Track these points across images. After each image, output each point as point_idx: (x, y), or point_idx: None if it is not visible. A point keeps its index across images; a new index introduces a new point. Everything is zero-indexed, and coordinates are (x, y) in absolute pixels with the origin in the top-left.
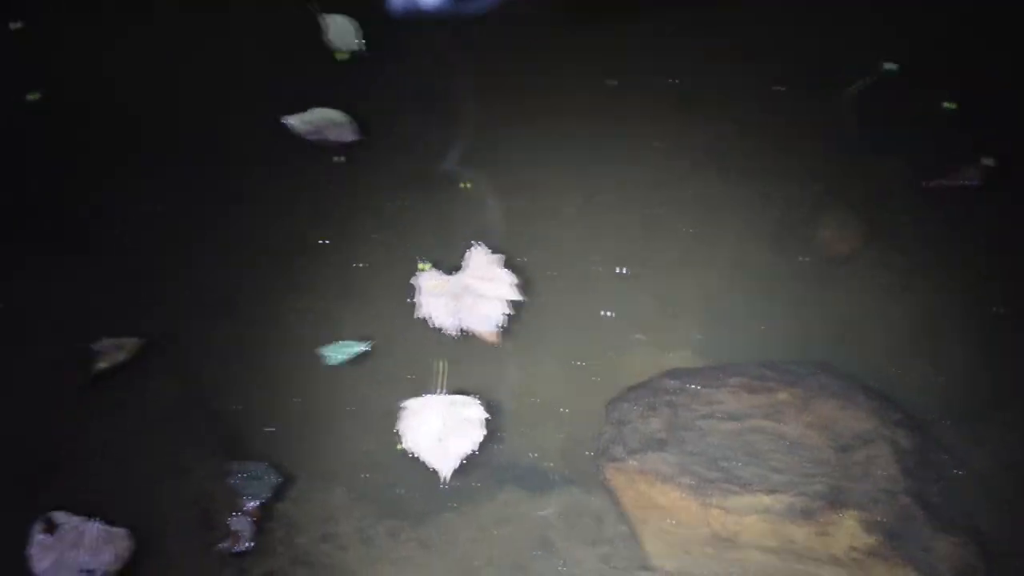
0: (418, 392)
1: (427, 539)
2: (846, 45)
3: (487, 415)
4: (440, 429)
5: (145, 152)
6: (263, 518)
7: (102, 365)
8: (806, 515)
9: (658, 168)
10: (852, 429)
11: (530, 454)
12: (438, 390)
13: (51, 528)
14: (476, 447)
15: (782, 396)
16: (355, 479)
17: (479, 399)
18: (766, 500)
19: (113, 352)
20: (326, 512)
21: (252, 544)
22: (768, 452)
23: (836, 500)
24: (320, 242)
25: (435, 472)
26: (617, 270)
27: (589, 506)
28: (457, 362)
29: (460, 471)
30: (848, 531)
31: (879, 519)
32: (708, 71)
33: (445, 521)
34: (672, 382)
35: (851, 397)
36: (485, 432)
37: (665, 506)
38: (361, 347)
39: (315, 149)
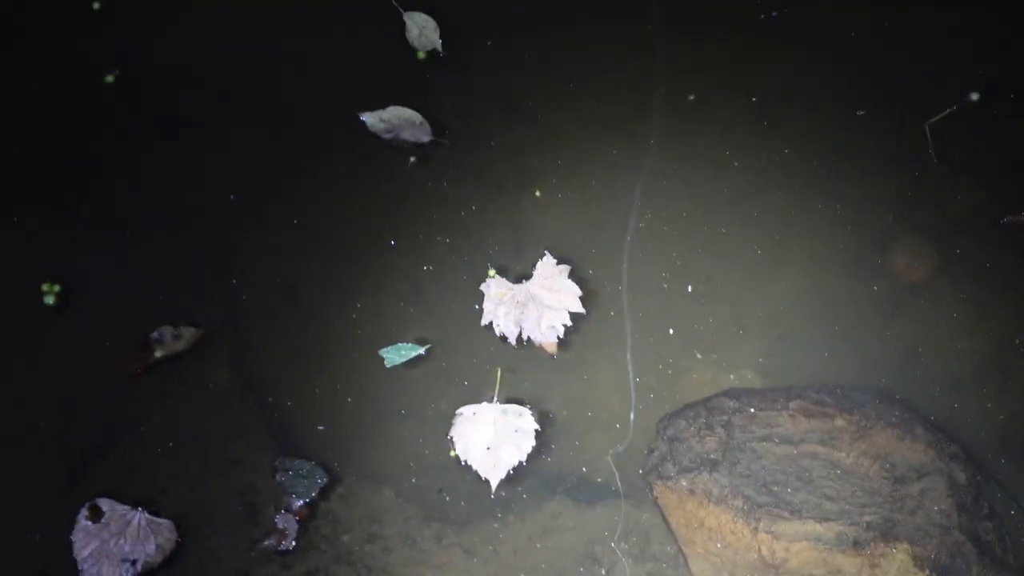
0: (473, 399)
1: (471, 546)
2: (934, 70)
3: (539, 426)
4: (492, 437)
5: (220, 140)
6: (308, 517)
7: (160, 353)
8: (857, 546)
9: (733, 185)
10: (908, 460)
11: (581, 467)
12: (493, 398)
13: (96, 515)
14: (526, 458)
15: (839, 423)
16: (404, 482)
17: (533, 409)
18: (817, 528)
19: (172, 341)
20: (372, 513)
21: (296, 543)
22: (821, 479)
23: (888, 532)
24: (390, 242)
25: (484, 480)
26: (685, 287)
27: (637, 523)
28: (515, 371)
29: (509, 481)
30: (898, 564)
31: (930, 554)
32: (791, 88)
33: (491, 529)
34: (730, 402)
35: (909, 428)
36: (536, 443)
37: (713, 528)
38: (419, 350)
39: (390, 148)
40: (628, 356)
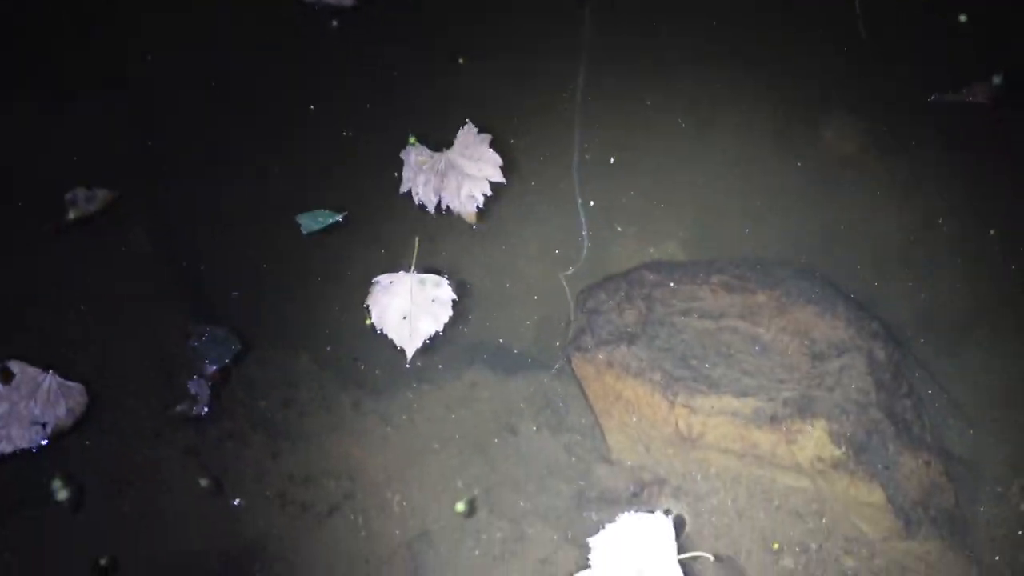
0: (390, 268)
1: (389, 414)
2: None
3: (457, 296)
4: (408, 307)
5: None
6: (221, 383)
7: (73, 215)
8: (773, 421)
9: (658, 57)
10: (828, 338)
11: (498, 339)
12: (410, 267)
13: (7, 377)
14: (443, 328)
15: (760, 298)
16: (319, 350)
17: (451, 279)
18: (734, 403)
19: (85, 203)
20: (288, 378)
21: (208, 409)
22: (740, 354)
23: (805, 408)
24: (310, 107)
25: (400, 350)
26: (608, 159)
27: (555, 394)
28: (433, 240)
29: (425, 350)
30: (815, 441)
31: (847, 431)
32: None
33: (408, 398)
34: (650, 275)
35: (830, 305)
36: (453, 313)
37: (631, 400)
38: (337, 217)
39: (313, 11)
40: (549, 228)
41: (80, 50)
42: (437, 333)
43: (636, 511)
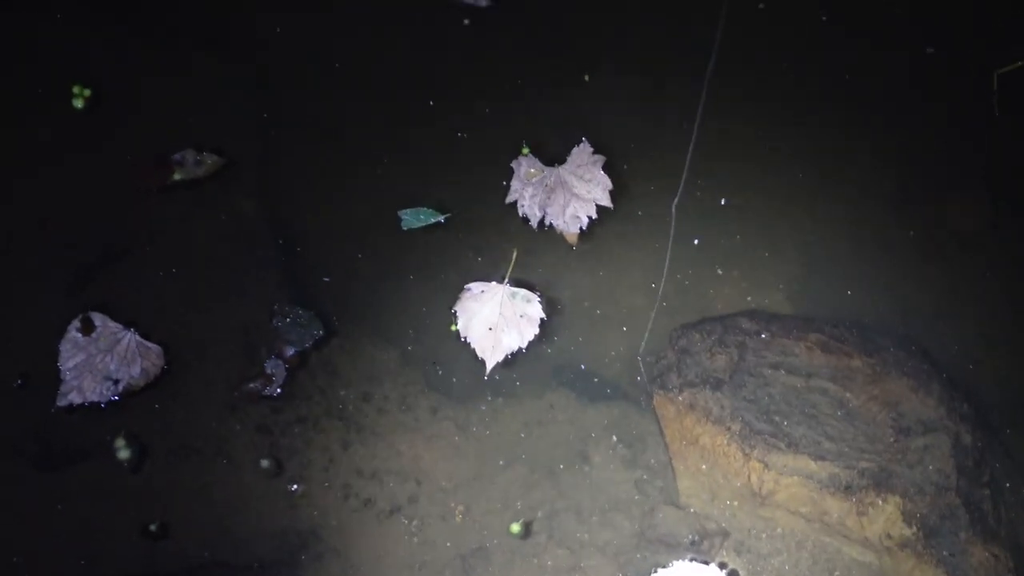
0: (484, 276)
1: (466, 423)
2: (1012, 17)
3: (545, 315)
4: (496, 318)
5: None
6: (298, 366)
7: (178, 176)
8: (848, 490)
9: (790, 102)
10: (917, 413)
11: (580, 364)
12: (504, 278)
13: (88, 328)
14: (527, 344)
15: (856, 363)
16: (404, 348)
17: (542, 297)
18: (811, 465)
19: (193, 165)
20: (373, 372)
21: (281, 390)
22: (825, 417)
23: (882, 482)
24: (429, 102)
25: (480, 360)
26: (719, 200)
27: (633, 429)
28: (530, 254)
29: (505, 364)
30: (886, 516)
31: (921, 511)
32: (860, 12)
33: (487, 410)
34: (748, 323)
35: (925, 380)
36: (539, 331)
37: (707, 447)
38: (439, 217)
39: (446, 6)
40: (649, 259)
41: (214, 13)
42: (520, 349)
43: (693, 560)
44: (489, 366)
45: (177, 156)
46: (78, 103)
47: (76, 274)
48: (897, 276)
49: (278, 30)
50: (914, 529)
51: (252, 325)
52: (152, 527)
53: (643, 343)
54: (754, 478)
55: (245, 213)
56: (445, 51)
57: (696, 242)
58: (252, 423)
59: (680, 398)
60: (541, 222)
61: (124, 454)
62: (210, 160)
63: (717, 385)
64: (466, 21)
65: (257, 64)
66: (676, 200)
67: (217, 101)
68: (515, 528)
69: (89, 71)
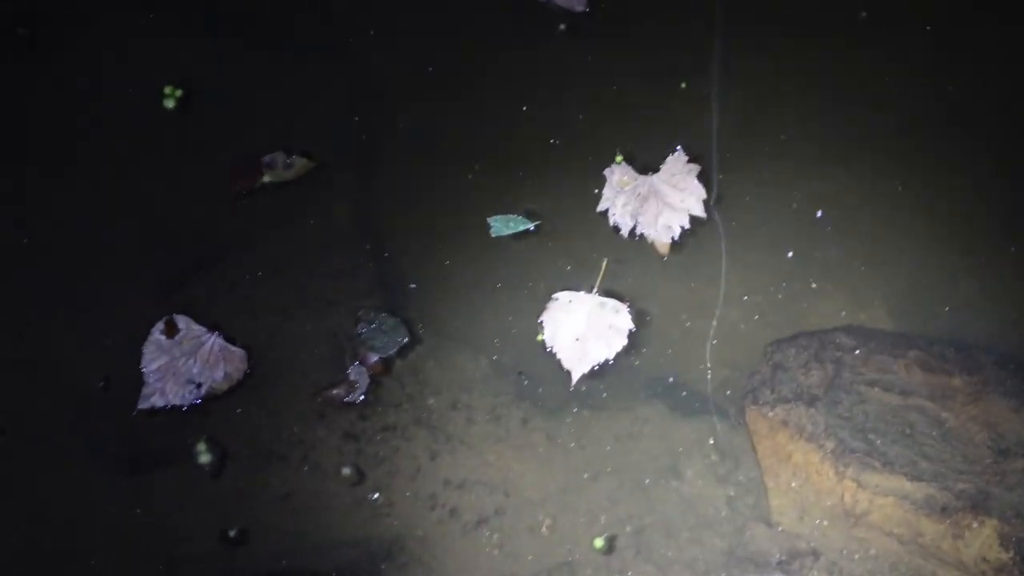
0: (572, 286)
1: (556, 435)
2: None
3: (634, 326)
4: (583, 329)
5: None
6: (383, 373)
7: (268, 179)
8: (944, 512)
9: (895, 114)
10: (1018, 434)
11: (670, 377)
12: (593, 288)
13: (172, 331)
14: (614, 356)
15: (956, 382)
16: (490, 357)
17: (631, 307)
18: (907, 485)
19: (282, 168)
20: (463, 381)
21: (364, 397)
22: (922, 436)
23: (979, 504)
24: (523, 107)
25: (566, 371)
26: (815, 211)
27: (725, 444)
28: (620, 264)
29: (591, 375)
30: (983, 539)
31: (1019, 536)
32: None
33: (577, 422)
34: (846, 339)
35: None
36: (627, 343)
37: (799, 464)
38: (529, 224)
39: (543, 10)
40: (744, 272)
41: (305, 13)
42: (607, 360)
43: None
44: (575, 377)
45: (267, 159)
46: (169, 103)
47: (164, 276)
48: (998, 292)
49: (372, 33)
50: (1011, 554)
51: (338, 331)
52: (231, 533)
53: (735, 357)
54: (847, 497)
55: (334, 218)
56: (540, 55)
57: (790, 255)
58: (339, 430)
59: (773, 414)
60: (632, 231)
61: (205, 458)
62: (299, 163)
63: (811, 401)
64: (562, 26)
65: (349, 66)
66: (713, 198)
67: (307, 103)
68: (598, 543)
69: (180, 71)
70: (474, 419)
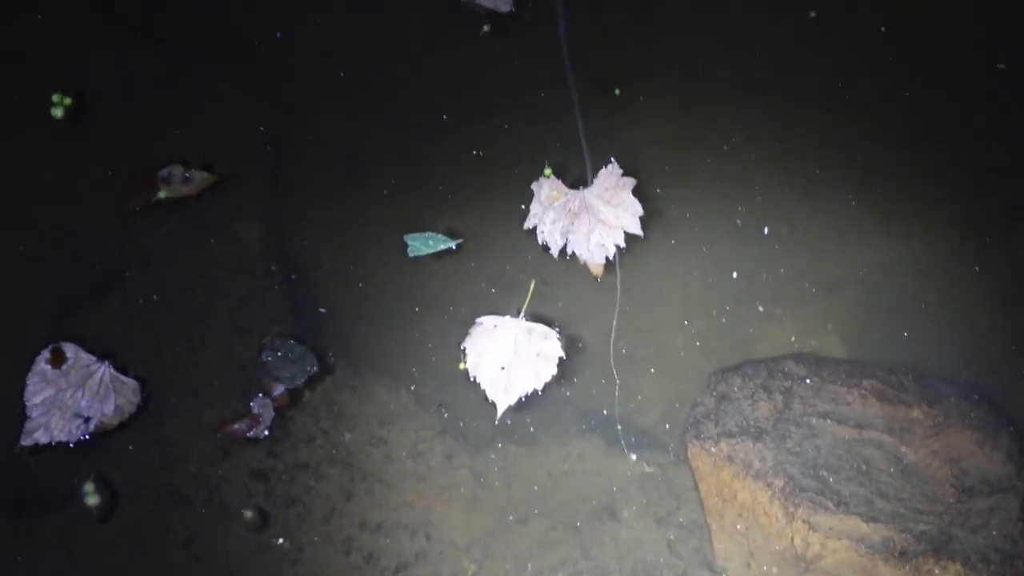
0: (497, 310)
1: (483, 473)
2: None
3: (564, 353)
4: (510, 357)
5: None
6: (288, 405)
7: (164, 194)
8: (903, 556)
9: (841, 124)
10: (983, 471)
11: (604, 409)
12: (520, 312)
13: (58, 360)
14: (542, 386)
15: (915, 414)
16: (410, 388)
17: (561, 333)
18: (862, 527)
19: (180, 183)
20: (383, 415)
21: (268, 432)
22: (879, 473)
23: (941, 547)
24: (443, 116)
25: (491, 403)
26: (762, 228)
27: (666, 483)
28: (550, 286)
29: (518, 407)
30: None
31: None
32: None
33: (506, 458)
34: (795, 367)
35: (992, 434)
36: (556, 372)
37: (746, 504)
38: (450, 243)
39: (464, 11)
40: (683, 295)
41: (207, 16)
42: (535, 391)
43: None
44: (501, 409)
45: (163, 172)
46: (57, 112)
47: (51, 300)
48: (960, 317)
49: (278, 36)
50: None
51: (244, 360)
52: None
53: (675, 387)
54: (798, 540)
55: (237, 237)
56: (462, 60)
57: (735, 275)
58: (245, 468)
59: (717, 449)
60: (563, 250)
61: (93, 500)
62: (199, 177)
63: (758, 435)
64: (486, 28)
65: (254, 73)
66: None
67: (208, 112)
68: None
69: (70, 77)
70: (393, 456)
